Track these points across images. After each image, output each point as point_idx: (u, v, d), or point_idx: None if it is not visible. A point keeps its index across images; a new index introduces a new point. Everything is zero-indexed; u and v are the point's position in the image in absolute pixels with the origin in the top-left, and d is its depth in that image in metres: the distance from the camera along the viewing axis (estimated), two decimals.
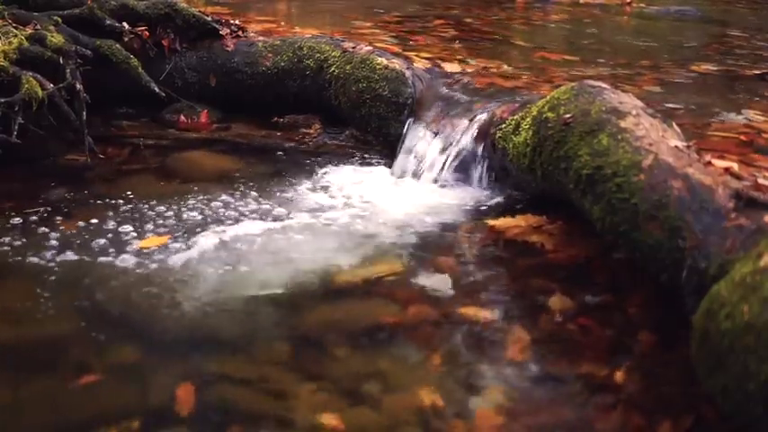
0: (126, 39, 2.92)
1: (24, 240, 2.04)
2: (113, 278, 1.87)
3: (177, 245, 2.04)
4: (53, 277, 1.86)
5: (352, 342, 1.67)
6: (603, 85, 2.07)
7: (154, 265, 1.92)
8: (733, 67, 3.49)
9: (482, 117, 2.45)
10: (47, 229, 2.09)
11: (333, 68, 2.94)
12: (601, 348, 1.65)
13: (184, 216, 2.21)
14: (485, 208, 2.33)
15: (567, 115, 1.98)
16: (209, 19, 3.11)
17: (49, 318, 1.73)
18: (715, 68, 3.45)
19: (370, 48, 2.97)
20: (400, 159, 2.59)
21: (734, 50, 4.00)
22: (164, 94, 2.93)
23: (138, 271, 1.90)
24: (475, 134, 2.43)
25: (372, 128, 2.81)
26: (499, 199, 2.37)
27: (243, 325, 1.73)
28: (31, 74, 2.51)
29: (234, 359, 1.61)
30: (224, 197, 2.34)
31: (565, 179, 1.93)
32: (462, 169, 2.44)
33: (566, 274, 1.93)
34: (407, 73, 2.81)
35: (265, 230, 2.14)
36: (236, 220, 2.20)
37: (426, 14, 4.63)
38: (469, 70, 3.03)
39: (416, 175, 2.51)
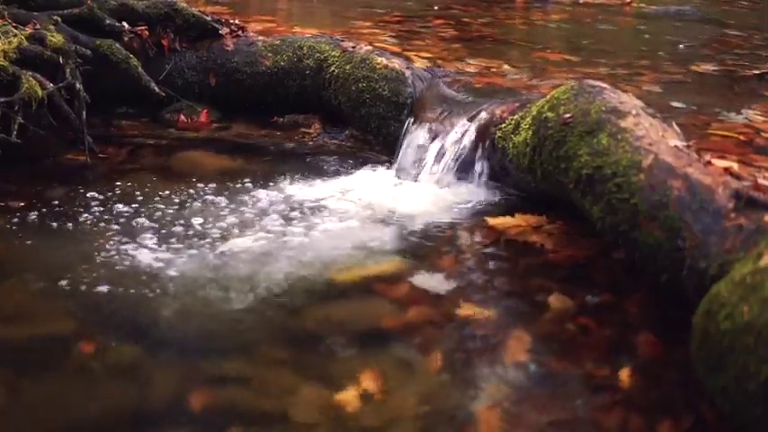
0: (126, 38, 2.92)
1: (24, 240, 2.03)
2: (112, 278, 1.86)
3: (177, 245, 2.04)
4: (53, 276, 1.86)
5: (353, 342, 1.67)
6: (603, 85, 2.07)
7: (153, 265, 1.92)
8: (733, 67, 3.49)
9: (482, 117, 2.45)
10: (46, 229, 2.09)
11: (333, 68, 2.93)
12: (601, 348, 1.65)
13: (183, 215, 2.21)
14: (485, 207, 2.33)
15: (567, 115, 1.97)
16: (209, 19, 3.11)
17: (46, 316, 1.73)
18: (715, 68, 3.45)
19: (369, 47, 2.97)
20: (400, 159, 2.59)
21: (734, 50, 3.99)
22: (163, 94, 2.93)
23: (136, 271, 1.90)
24: (475, 134, 2.43)
25: (372, 128, 2.81)
26: (499, 199, 2.37)
27: (242, 325, 1.72)
28: (30, 73, 2.51)
29: (234, 359, 1.61)
30: (223, 197, 2.34)
31: (565, 179, 1.93)
32: (462, 169, 2.44)
33: (566, 274, 1.93)
34: (407, 73, 2.81)
35: (265, 230, 2.14)
36: (236, 220, 2.20)
37: (426, 14, 4.63)
38: (469, 70, 3.03)
39: (416, 174, 2.51)
